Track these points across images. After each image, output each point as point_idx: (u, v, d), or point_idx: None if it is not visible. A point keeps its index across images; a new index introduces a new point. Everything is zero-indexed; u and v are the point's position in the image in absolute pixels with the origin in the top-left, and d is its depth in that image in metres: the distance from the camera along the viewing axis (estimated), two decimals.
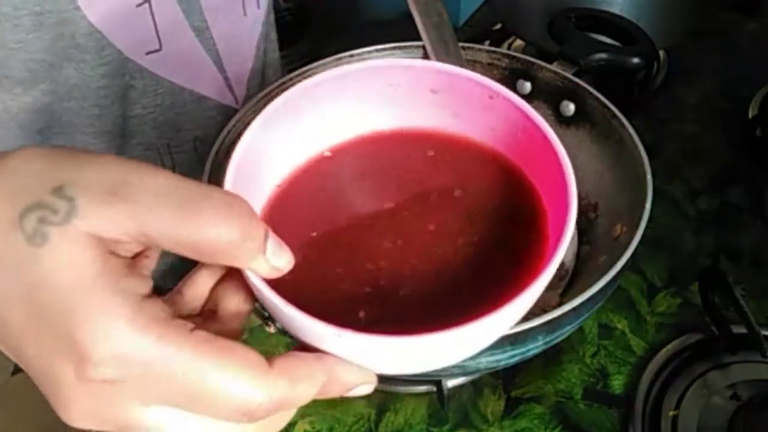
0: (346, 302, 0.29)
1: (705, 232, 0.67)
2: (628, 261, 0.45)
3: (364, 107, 0.34)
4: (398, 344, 0.24)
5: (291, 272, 0.27)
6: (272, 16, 0.69)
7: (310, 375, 0.25)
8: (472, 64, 0.61)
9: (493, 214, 0.32)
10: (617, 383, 0.56)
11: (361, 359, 0.26)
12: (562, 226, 0.27)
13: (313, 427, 0.54)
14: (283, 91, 0.59)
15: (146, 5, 0.51)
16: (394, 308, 0.29)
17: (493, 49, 0.62)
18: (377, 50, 0.62)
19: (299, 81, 0.59)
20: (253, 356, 0.24)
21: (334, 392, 0.26)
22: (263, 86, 0.67)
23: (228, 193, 0.25)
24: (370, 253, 0.31)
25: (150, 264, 0.26)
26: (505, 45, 0.92)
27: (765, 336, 0.53)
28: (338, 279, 0.30)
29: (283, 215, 0.32)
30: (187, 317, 0.27)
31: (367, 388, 0.27)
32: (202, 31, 0.57)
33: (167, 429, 0.24)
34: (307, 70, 0.61)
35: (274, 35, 0.70)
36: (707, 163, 0.74)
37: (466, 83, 0.32)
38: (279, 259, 0.26)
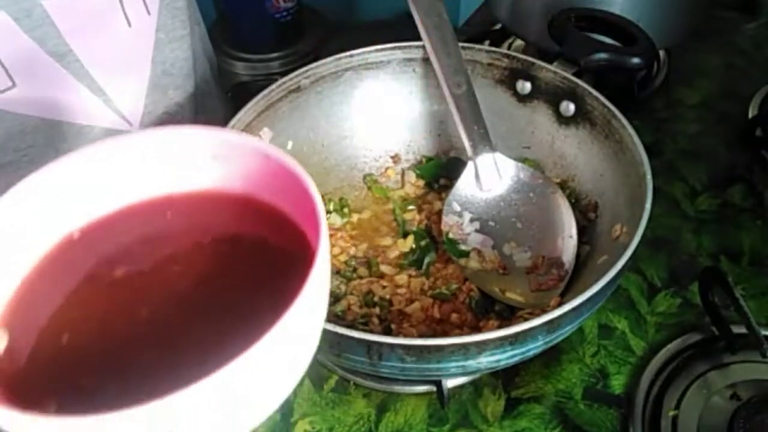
0: (98, 380, 0.28)
1: (705, 232, 0.67)
2: (628, 261, 0.45)
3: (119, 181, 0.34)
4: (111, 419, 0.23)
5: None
6: (185, 14, 0.62)
7: None
8: (472, 64, 0.62)
9: (251, 258, 0.33)
10: (617, 383, 0.56)
11: None
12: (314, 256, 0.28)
13: (313, 427, 0.54)
14: (284, 90, 0.59)
15: None
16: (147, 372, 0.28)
17: (493, 49, 0.62)
18: (377, 50, 0.62)
19: (299, 81, 0.60)
20: None
21: None
22: (182, 92, 0.63)
23: None
24: (119, 327, 0.31)
25: None
26: (505, 45, 0.92)
27: (765, 336, 0.53)
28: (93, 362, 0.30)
29: (30, 305, 0.31)
30: None
31: None
32: (63, 56, 0.51)
33: None
34: (307, 70, 0.61)
35: (188, 36, 0.63)
36: (707, 163, 0.74)
37: (243, 148, 0.33)
38: None
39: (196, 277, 0.32)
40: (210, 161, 0.34)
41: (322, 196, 0.67)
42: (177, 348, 0.29)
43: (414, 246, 0.60)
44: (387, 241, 0.61)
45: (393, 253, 0.60)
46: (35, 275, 0.32)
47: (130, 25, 0.55)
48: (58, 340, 0.30)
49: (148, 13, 0.57)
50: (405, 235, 0.61)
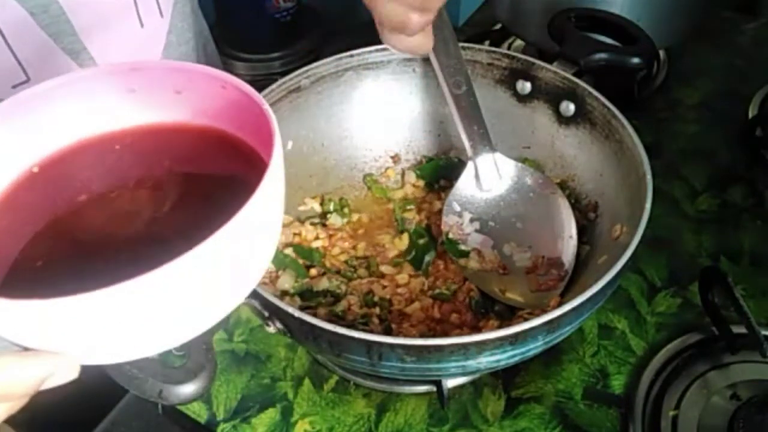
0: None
1: (705, 232, 0.67)
2: (628, 261, 0.45)
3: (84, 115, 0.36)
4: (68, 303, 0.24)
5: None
6: (191, 18, 0.63)
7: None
8: (472, 64, 0.62)
9: (212, 179, 0.36)
10: (617, 383, 0.56)
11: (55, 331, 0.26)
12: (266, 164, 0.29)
13: (313, 427, 0.54)
14: (284, 90, 0.59)
15: None
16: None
17: (493, 49, 0.62)
18: (377, 50, 0.62)
19: (299, 81, 0.60)
20: None
21: (19, 387, 0.28)
22: None
23: None
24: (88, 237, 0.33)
25: None
26: (505, 45, 0.92)
27: (765, 336, 0.53)
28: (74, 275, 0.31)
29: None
30: None
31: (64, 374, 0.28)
32: (78, 53, 0.52)
33: None
34: (307, 70, 0.61)
35: (193, 39, 0.64)
36: (707, 163, 0.74)
37: (203, 77, 0.34)
38: None
39: (159, 197, 0.34)
40: (174, 96, 0.35)
41: (322, 196, 0.68)
42: (149, 254, 0.30)
43: (410, 243, 0.60)
44: (387, 241, 0.61)
45: (392, 253, 0.60)
46: (1, 209, 0.33)
47: (142, 26, 0.56)
48: (33, 265, 0.31)
49: (161, 15, 0.57)
50: (402, 233, 0.61)
